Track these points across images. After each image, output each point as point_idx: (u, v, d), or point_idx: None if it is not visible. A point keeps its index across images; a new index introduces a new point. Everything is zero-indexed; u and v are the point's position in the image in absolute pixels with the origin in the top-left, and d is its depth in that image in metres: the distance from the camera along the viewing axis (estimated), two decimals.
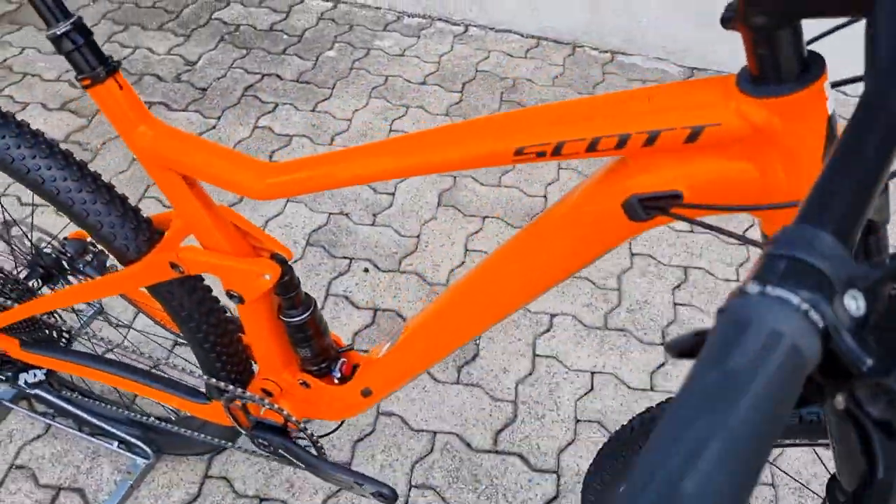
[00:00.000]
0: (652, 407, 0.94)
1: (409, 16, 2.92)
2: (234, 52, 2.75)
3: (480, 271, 0.84)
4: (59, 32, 0.81)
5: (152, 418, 1.42)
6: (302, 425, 1.13)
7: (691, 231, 2.07)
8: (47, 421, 1.62)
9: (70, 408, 1.46)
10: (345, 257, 2.01)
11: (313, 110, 2.49)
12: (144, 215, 1.05)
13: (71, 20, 0.81)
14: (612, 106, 0.61)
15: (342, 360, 1.10)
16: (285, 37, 2.82)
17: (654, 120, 0.58)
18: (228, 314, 1.17)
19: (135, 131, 0.87)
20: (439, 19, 2.90)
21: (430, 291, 1.92)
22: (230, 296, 0.99)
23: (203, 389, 1.29)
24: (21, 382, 1.38)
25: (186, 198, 0.92)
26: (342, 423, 1.25)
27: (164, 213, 1.08)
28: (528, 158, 0.65)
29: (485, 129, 0.67)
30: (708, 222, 0.61)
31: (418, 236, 2.07)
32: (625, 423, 0.99)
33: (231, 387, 1.13)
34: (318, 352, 1.06)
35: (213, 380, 1.15)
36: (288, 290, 1.00)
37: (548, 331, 1.84)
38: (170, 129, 0.88)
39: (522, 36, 2.82)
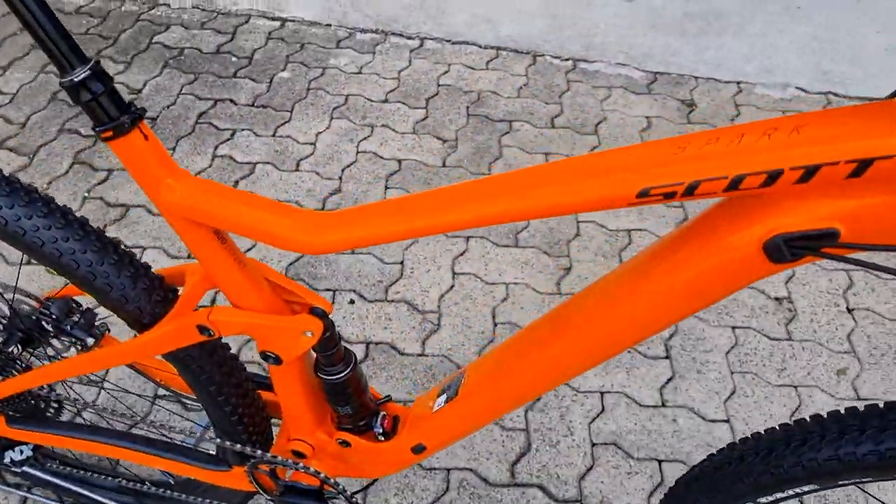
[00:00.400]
0: (735, 442, 0.88)
1: (361, 31, 2.84)
2: (181, 77, 2.61)
3: (566, 315, 0.77)
4: (76, 80, 0.70)
5: (148, 484, 1.30)
6: (341, 486, 1.04)
7: None
8: (22, 494, 1.48)
9: (59, 482, 1.33)
10: (328, 289, 1.91)
11: (274, 135, 2.38)
12: (153, 271, 0.95)
13: (88, 65, 0.71)
14: (752, 139, 0.55)
15: (382, 413, 1.01)
16: (234, 59, 2.70)
17: (810, 153, 0.52)
18: (247, 370, 1.07)
19: (162, 185, 0.77)
20: (393, 34, 2.82)
21: (423, 320, 1.84)
22: (265, 357, 0.90)
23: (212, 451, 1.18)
24: (6, 461, 1.24)
25: (217, 254, 0.82)
26: (375, 480, 1.16)
27: (174, 268, 0.97)
28: (653, 200, 0.58)
29: (598, 168, 0.60)
30: (862, 259, 0.56)
31: (402, 262, 1.99)
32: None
33: (259, 451, 1.03)
34: (358, 408, 0.98)
35: (237, 444, 1.05)
36: (328, 346, 0.91)
37: None
38: (200, 181, 0.79)
39: (481, 47, 2.76)
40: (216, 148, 2.32)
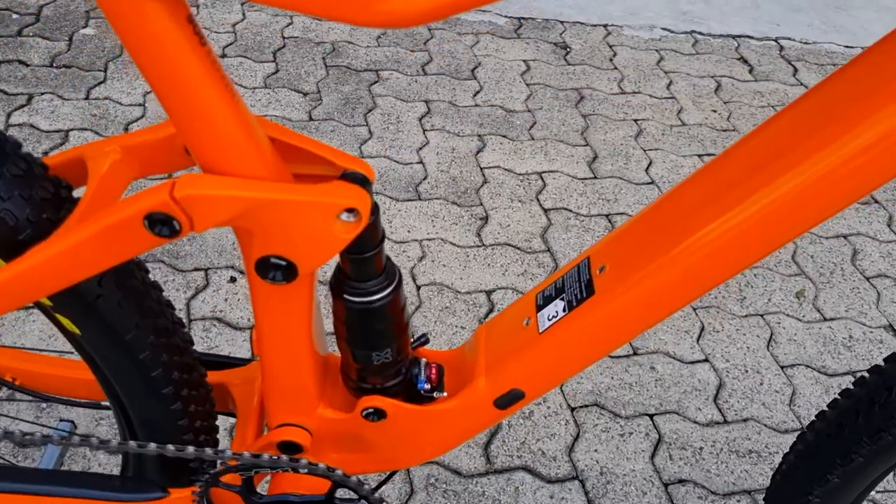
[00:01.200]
0: (851, 387, 0.63)
1: None
2: None
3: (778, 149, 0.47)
4: None
5: None
6: (369, 487, 0.67)
7: (595, 178, 1.83)
8: None
9: None
10: (197, 269, 1.48)
11: (87, 98, 1.88)
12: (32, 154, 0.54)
13: None
14: None
15: (423, 362, 0.66)
16: (15, 16, 2.14)
17: None
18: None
19: None
20: None
21: (319, 286, 1.47)
22: (266, 269, 0.52)
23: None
24: None
25: (199, 70, 0.44)
26: (392, 473, 0.78)
27: (63, 154, 0.57)
28: None
29: None
30: None
31: None
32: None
33: (228, 451, 0.64)
34: (398, 353, 0.62)
35: (189, 448, 0.64)
36: (366, 244, 0.55)
37: (491, 311, 1.48)
38: None
39: None
40: (9, 116, 1.79)
